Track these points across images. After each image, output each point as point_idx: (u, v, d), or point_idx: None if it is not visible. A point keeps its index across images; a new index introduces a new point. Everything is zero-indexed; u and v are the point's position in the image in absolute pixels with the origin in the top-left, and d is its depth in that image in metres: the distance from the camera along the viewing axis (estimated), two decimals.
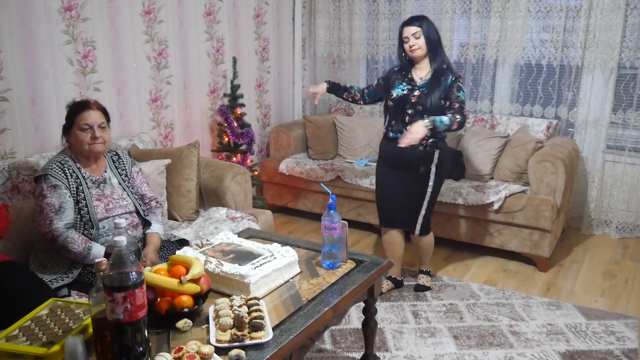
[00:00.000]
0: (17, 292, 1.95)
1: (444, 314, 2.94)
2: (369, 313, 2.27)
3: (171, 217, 3.00)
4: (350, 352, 2.59)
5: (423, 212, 3.00)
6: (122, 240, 1.41)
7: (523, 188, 3.53)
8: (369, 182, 3.89)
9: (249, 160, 3.95)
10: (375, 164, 4.08)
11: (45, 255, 2.33)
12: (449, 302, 3.07)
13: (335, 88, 3.19)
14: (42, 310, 1.71)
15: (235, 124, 3.89)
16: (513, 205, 3.43)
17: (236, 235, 2.24)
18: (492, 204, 3.46)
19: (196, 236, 2.77)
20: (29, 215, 2.50)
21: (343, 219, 2.14)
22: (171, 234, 2.66)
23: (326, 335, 2.71)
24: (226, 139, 3.91)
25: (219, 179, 3.14)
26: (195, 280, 1.74)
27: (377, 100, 3.24)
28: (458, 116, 2.80)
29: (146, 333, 1.49)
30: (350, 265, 2.16)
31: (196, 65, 3.88)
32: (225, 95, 4.04)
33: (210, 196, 3.18)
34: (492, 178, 3.75)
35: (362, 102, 3.22)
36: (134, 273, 1.42)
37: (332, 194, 2.14)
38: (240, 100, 3.98)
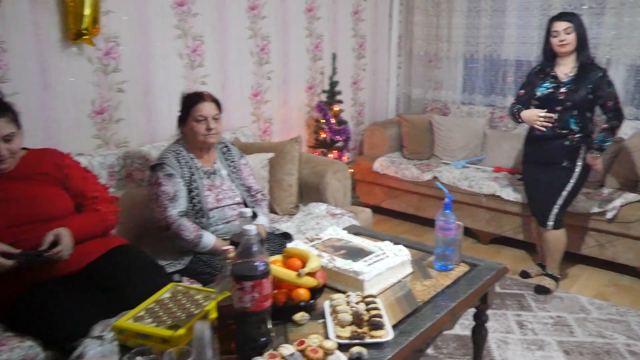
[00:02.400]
0: (135, 272, 2.01)
1: (552, 327, 2.77)
2: (481, 320, 2.17)
3: (271, 210, 3.02)
4: (452, 359, 2.50)
5: (559, 203, 2.98)
6: (253, 229, 1.40)
7: None
8: (467, 184, 3.76)
9: (344, 158, 3.93)
10: (473, 165, 3.96)
11: (157, 242, 2.40)
12: (557, 314, 2.89)
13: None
14: (165, 294, 1.74)
15: (333, 121, 3.87)
16: (630, 215, 3.18)
17: (345, 232, 2.21)
18: (604, 212, 3.23)
19: (298, 230, 2.77)
20: (142, 203, 2.59)
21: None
22: (274, 227, 2.67)
23: None
24: (323, 136, 3.91)
25: (319, 174, 3.12)
26: (312, 274, 1.72)
27: None
28: (615, 121, 2.88)
29: (270, 324, 1.48)
30: (463, 268, 2.07)
31: (295, 62, 3.90)
32: (323, 91, 4.03)
33: (309, 192, 3.17)
34: (603, 185, 3.51)
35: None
36: (262, 262, 1.41)
37: (448, 194, 2.06)
38: (337, 97, 3.96)
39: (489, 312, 2.78)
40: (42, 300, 1.85)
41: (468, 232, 3.94)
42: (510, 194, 3.58)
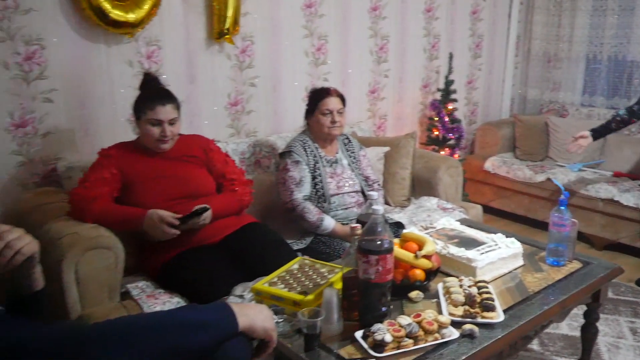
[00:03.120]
0: (266, 246, 2.26)
1: None
2: (591, 318, 2.19)
3: (384, 202, 3.17)
4: (559, 357, 2.52)
5: None
6: (380, 209, 1.57)
7: None
8: (583, 188, 3.68)
9: (456, 156, 3.99)
10: (590, 169, 3.86)
11: (282, 223, 2.65)
12: None
13: (601, 132, 3.15)
14: (294, 265, 1.97)
15: (446, 119, 3.96)
16: None
17: (458, 223, 2.32)
18: None
19: (410, 221, 2.90)
20: (268, 187, 2.85)
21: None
22: (387, 217, 2.84)
23: None
24: (436, 133, 4.00)
25: (432, 170, 3.24)
26: (428, 257, 1.86)
27: None
28: None
29: (389, 296, 1.65)
30: (575, 265, 2.11)
31: (412, 60, 4.03)
32: (438, 90, 4.12)
33: (421, 186, 3.29)
34: None
35: (636, 119, 3.11)
36: (386, 240, 1.58)
37: (565, 191, 2.10)
38: (452, 96, 4.03)
39: (601, 315, 2.75)
40: (188, 263, 2.15)
41: (582, 236, 3.85)
42: (630, 200, 3.47)
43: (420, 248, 1.88)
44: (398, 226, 2.74)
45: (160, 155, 2.30)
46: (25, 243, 1.17)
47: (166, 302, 2.06)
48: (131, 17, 2.54)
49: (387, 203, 3.19)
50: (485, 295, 1.73)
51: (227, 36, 2.93)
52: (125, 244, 2.27)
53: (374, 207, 1.58)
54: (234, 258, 2.24)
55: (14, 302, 1.25)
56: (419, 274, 1.83)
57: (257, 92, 3.22)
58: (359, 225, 1.66)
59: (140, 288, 2.15)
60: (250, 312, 1.21)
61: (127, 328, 1.04)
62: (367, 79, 3.77)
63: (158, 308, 2.02)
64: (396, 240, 2.00)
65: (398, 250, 1.85)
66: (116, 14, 2.50)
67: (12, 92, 2.42)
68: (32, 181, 2.55)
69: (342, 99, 2.69)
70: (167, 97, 2.23)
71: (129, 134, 2.70)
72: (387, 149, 3.19)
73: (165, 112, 2.19)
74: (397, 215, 2.97)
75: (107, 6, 2.47)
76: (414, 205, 3.17)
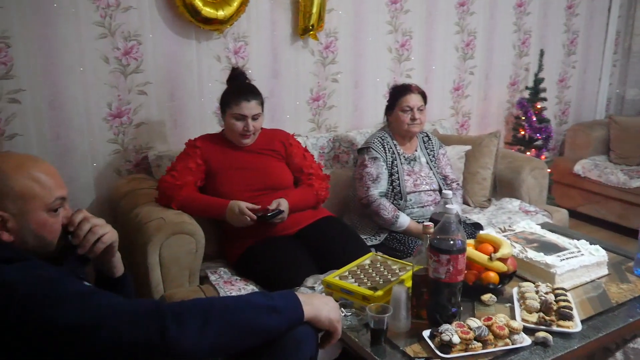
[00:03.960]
0: (340, 240, 2.30)
1: None
2: None
3: (464, 201, 3.11)
4: None
5: None
6: (454, 208, 1.55)
7: None
8: None
9: (543, 157, 3.83)
10: None
11: (358, 218, 2.67)
12: None
13: None
14: (365, 260, 1.98)
15: (534, 118, 3.80)
16: None
17: (539, 227, 2.23)
18: None
19: (489, 222, 2.83)
20: (345, 182, 2.88)
21: None
22: (466, 217, 2.78)
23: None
24: (522, 133, 3.86)
25: (515, 170, 3.13)
26: (503, 260, 1.81)
27: None
28: None
29: (459, 297, 1.62)
30: None
31: (500, 57, 3.90)
32: (526, 88, 3.97)
33: (503, 186, 3.19)
34: None
35: None
36: (459, 240, 1.56)
37: None
38: (541, 95, 3.87)
39: None
40: (264, 253, 2.23)
41: None
42: None
43: (496, 250, 1.84)
44: (476, 227, 2.68)
45: (243, 148, 2.38)
46: (106, 232, 1.27)
47: (241, 288, 2.15)
48: (221, 14, 2.65)
49: (466, 203, 3.13)
50: (562, 304, 1.66)
51: (311, 32, 2.98)
52: (207, 232, 2.39)
53: (448, 205, 1.57)
54: (309, 250, 2.29)
55: (100, 287, 1.36)
56: (492, 276, 1.79)
57: (339, 88, 3.25)
58: (431, 223, 1.65)
59: (218, 274, 2.25)
60: (316, 302, 1.24)
61: (203, 306, 1.11)
62: (451, 76, 3.70)
63: (234, 294, 2.11)
64: (471, 241, 1.97)
65: (472, 251, 1.82)
66: (207, 11, 2.62)
67: (111, 85, 2.60)
68: (126, 168, 2.73)
69: (423, 96, 2.66)
70: (252, 93, 2.31)
71: (215, 126, 2.83)
72: (468, 147, 3.12)
73: (249, 107, 2.28)
74: (475, 216, 2.91)
75: (198, 4, 2.59)
76: (495, 206, 3.08)
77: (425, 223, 1.66)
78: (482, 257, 1.80)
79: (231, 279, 2.21)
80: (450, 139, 3.24)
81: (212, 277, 2.21)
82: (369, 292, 1.72)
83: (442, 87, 3.68)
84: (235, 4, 2.68)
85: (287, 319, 1.18)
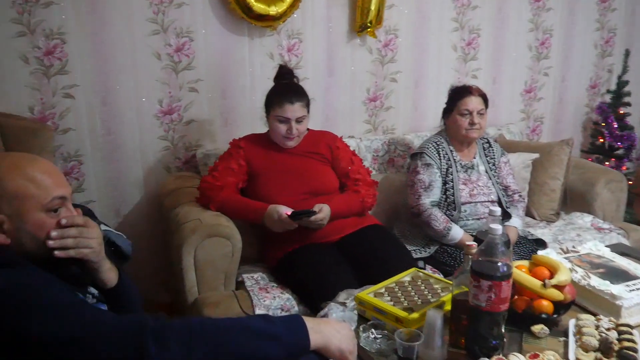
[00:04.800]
0: (383, 252, 2.15)
1: None
2: None
3: (528, 214, 2.87)
4: None
5: None
6: (499, 229, 1.38)
7: None
8: None
9: (624, 167, 3.49)
10: None
11: (408, 227, 2.51)
12: None
13: None
14: (406, 276, 1.83)
15: (616, 125, 3.46)
16: None
17: (608, 249, 1.99)
18: None
19: (554, 239, 2.58)
20: (398, 187, 2.73)
21: None
22: (528, 232, 2.55)
23: None
24: (601, 140, 3.53)
25: (589, 182, 2.85)
26: (559, 287, 1.61)
27: None
28: None
29: (503, 328, 1.45)
30: None
31: (579, 57, 3.58)
32: (608, 91, 3.63)
33: (574, 200, 2.92)
34: None
35: None
36: (504, 264, 1.38)
37: None
38: (625, 99, 3.52)
39: None
40: (302, 260, 2.12)
41: None
42: None
43: (552, 275, 1.64)
44: (538, 244, 2.45)
45: (287, 150, 2.29)
46: (89, 246, 1.18)
47: (276, 296, 2.06)
48: (273, 10, 2.57)
49: (531, 215, 2.88)
50: (626, 344, 1.44)
51: (369, 29, 2.84)
52: (248, 234, 2.33)
53: (492, 225, 1.39)
54: (350, 260, 2.16)
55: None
56: (545, 305, 1.59)
57: (398, 88, 3.09)
58: (474, 243, 1.48)
59: (255, 279, 2.17)
60: (326, 330, 1.12)
61: (191, 328, 1.02)
62: (522, 77, 3.44)
63: (267, 302, 2.03)
64: (525, 263, 1.77)
65: (523, 276, 1.63)
66: (259, 7, 2.54)
67: (162, 81, 2.59)
68: (175, 165, 2.72)
69: (485, 99, 2.46)
70: (297, 94, 2.21)
71: (265, 126, 2.76)
72: (536, 155, 2.86)
73: (293, 110, 2.18)
74: (540, 231, 2.66)
75: (250, 0, 2.52)
76: (563, 221, 2.82)
77: (468, 242, 1.49)
78: (534, 283, 1.60)
79: (267, 286, 2.13)
80: (517, 146, 3.00)
81: (248, 283, 2.14)
82: (402, 314, 1.58)
83: (512, 89, 3.42)
84: (288, 0, 2.59)
85: (287, 347, 1.06)
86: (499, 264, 1.38)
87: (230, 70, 2.70)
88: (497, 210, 1.51)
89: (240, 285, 2.16)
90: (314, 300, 1.94)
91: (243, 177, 2.27)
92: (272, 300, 2.03)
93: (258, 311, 1.99)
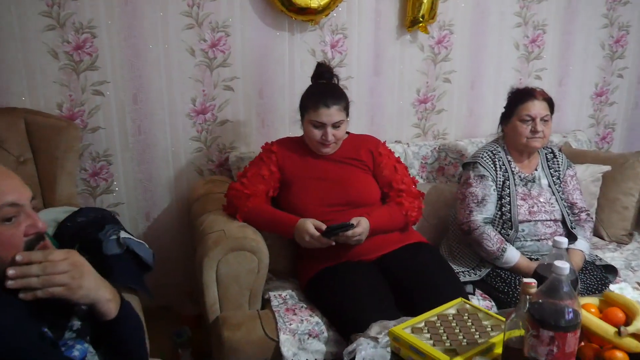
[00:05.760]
0: (428, 275, 1.91)
1: None
2: None
3: (596, 233, 2.54)
4: None
5: None
6: (565, 267, 1.12)
7: None
8: None
9: None
10: None
11: (457, 245, 2.26)
12: None
13: None
14: (450, 308, 1.59)
15: None
16: None
17: None
18: None
19: (627, 265, 2.26)
20: (449, 200, 2.47)
21: None
22: (595, 256, 2.24)
23: None
24: None
25: None
26: (638, 336, 1.33)
27: None
28: None
29: None
30: None
31: None
32: None
33: None
34: None
35: None
36: (571, 311, 1.12)
37: None
38: None
39: None
40: (336, 279, 1.91)
41: None
42: None
43: (629, 320, 1.36)
44: (608, 271, 2.14)
45: (324, 157, 2.08)
46: (55, 284, 0.99)
47: (304, 319, 1.86)
48: (315, 3, 2.37)
49: (599, 235, 2.56)
50: None
51: (421, 24, 2.59)
52: (281, 246, 2.15)
53: (558, 263, 1.13)
54: (390, 281, 1.94)
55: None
56: (620, 357, 1.31)
57: (452, 89, 2.82)
58: (533, 280, 1.23)
59: (283, 298, 1.98)
60: None
61: None
62: (592, 78, 3.10)
63: (294, 326, 1.83)
64: (595, 301, 1.49)
65: (593, 320, 1.36)
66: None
67: (195, 79, 2.43)
68: (208, 168, 2.56)
69: (550, 104, 2.17)
70: (333, 97, 1.99)
71: (301, 130, 2.56)
72: (607, 168, 2.53)
73: (328, 114, 1.96)
74: (609, 255, 2.34)
75: None
76: (637, 243, 2.48)
77: (526, 280, 1.24)
78: (607, 330, 1.33)
79: (296, 306, 1.93)
80: (584, 156, 2.67)
81: (275, 302, 1.94)
82: (443, 358, 1.34)
83: (580, 92, 3.08)
84: None
85: None
86: (565, 309, 1.12)
87: (268, 68, 2.51)
88: (563, 241, 1.25)
89: (267, 303, 1.97)
90: (345, 327, 1.73)
91: (274, 185, 2.08)
92: (299, 324, 1.83)
93: (283, 336, 1.79)
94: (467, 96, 2.86)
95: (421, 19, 2.57)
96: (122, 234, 1.93)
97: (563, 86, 3.02)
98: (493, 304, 2.01)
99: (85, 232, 1.93)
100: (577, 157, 2.65)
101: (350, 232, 1.86)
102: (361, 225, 1.89)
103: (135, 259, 1.93)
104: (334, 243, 1.88)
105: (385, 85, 2.70)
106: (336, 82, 2.13)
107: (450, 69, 2.78)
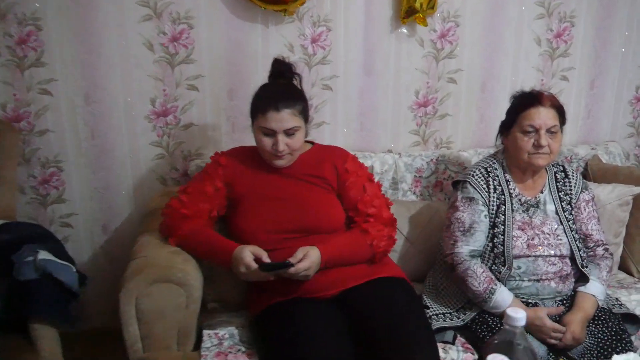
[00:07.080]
0: (395, 318, 1.55)
1: None
2: None
3: (624, 268, 2.11)
4: None
5: None
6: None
7: None
8: None
9: None
10: None
11: (443, 280, 1.88)
12: None
13: None
14: None
15: None
16: None
17: None
18: None
19: None
20: (443, 220, 2.08)
21: None
22: (616, 299, 1.81)
23: None
24: None
25: None
26: None
27: None
28: None
29: None
30: None
31: None
32: None
33: None
34: None
35: None
36: None
37: None
38: None
39: None
40: (284, 319, 1.59)
41: None
42: None
43: None
44: (628, 320, 1.72)
45: (280, 172, 1.75)
46: None
47: None
48: None
49: (627, 270, 2.12)
50: None
51: (418, 15, 2.22)
52: (232, 275, 1.83)
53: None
54: (350, 324, 1.59)
55: None
56: None
57: (458, 91, 2.43)
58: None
59: (219, 337, 1.67)
60: None
61: None
62: (632, 79, 2.62)
63: None
64: None
65: None
66: None
67: (155, 77, 2.16)
68: (171, 177, 2.29)
69: (560, 113, 1.76)
70: (285, 98, 1.65)
71: None
72: (639, 190, 2.09)
73: (279, 119, 1.63)
74: (636, 298, 1.90)
75: None
76: None
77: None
78: None
79: (232, 348, 1.62)
80: (615, 173, 2.24)
81: (207, 344, 1.64)
82: None
83: (617, 95, 2.62)
84: None
85: None
86: None
87: (239, 65, 2.21)
88: (520, 317, 0.88)
89: (201, 342, 1.67)
90: None
91: (221, 203, 1.76)
92: None
93: None
94: (476, 99, 2.46)
95: (418, 8, 2.20)
96: (41, 255, 1.69)
97: (595, 89, 2.57)
98: (476, 356, 1.63)
99: (1, 252, 1.71)
100: (605, 175, 2.22)
101: (292, 270, 1.53)
102: (308, 259, 1.55)
103: (60, 285, 1.69)
104: (272, 278, 1.57)
105: (377, 85, 2.34)
106: (298, 82, 1.80)
107: (456, 67, 2.40)
